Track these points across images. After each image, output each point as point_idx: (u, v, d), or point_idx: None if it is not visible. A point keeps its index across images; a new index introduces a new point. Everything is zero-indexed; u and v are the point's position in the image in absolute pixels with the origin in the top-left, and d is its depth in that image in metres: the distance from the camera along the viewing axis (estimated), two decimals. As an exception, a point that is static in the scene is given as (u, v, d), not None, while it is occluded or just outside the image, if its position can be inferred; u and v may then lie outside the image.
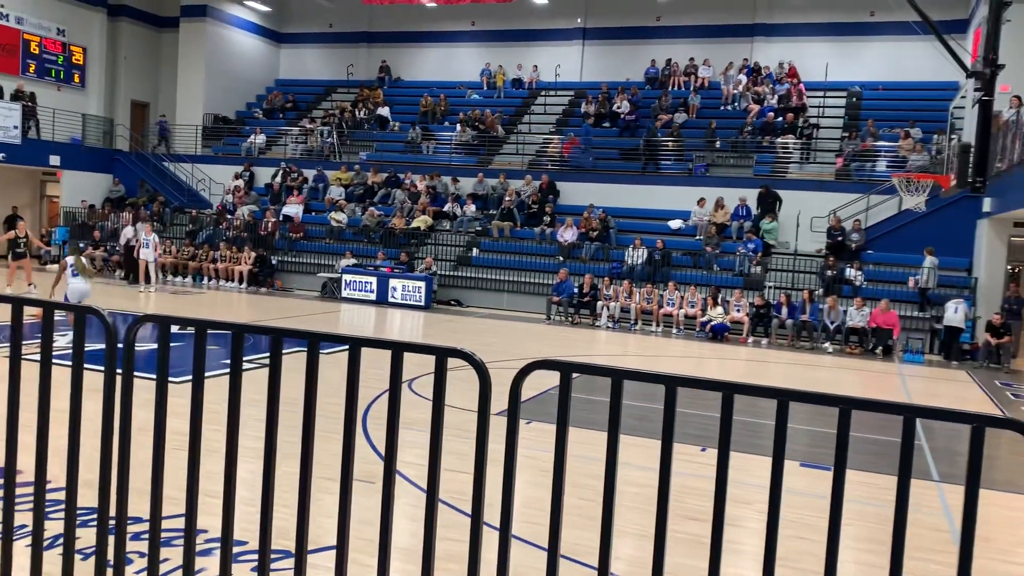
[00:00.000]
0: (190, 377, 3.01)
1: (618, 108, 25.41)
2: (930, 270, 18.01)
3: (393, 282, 20.15)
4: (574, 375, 2.51)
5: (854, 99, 24.96)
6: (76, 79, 27.89)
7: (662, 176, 22.91)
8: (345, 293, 20.49)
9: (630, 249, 20.30)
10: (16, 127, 23.80)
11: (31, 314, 3.39)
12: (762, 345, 17.24)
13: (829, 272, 18.63)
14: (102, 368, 2.97)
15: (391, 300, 19.97)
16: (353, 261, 21.42)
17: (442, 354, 2.52)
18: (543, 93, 28.53)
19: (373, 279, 20.35)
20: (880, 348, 16.70)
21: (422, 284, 19.88)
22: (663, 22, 27.57)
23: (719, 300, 17.89)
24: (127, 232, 22.06)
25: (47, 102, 25.78)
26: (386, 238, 22.57)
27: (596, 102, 26.02)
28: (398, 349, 2.57)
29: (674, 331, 18.05)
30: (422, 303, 19.75)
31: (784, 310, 17.51)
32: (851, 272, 18.53)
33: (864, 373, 14.60)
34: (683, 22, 27.26)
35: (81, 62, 28.03)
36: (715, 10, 26.74)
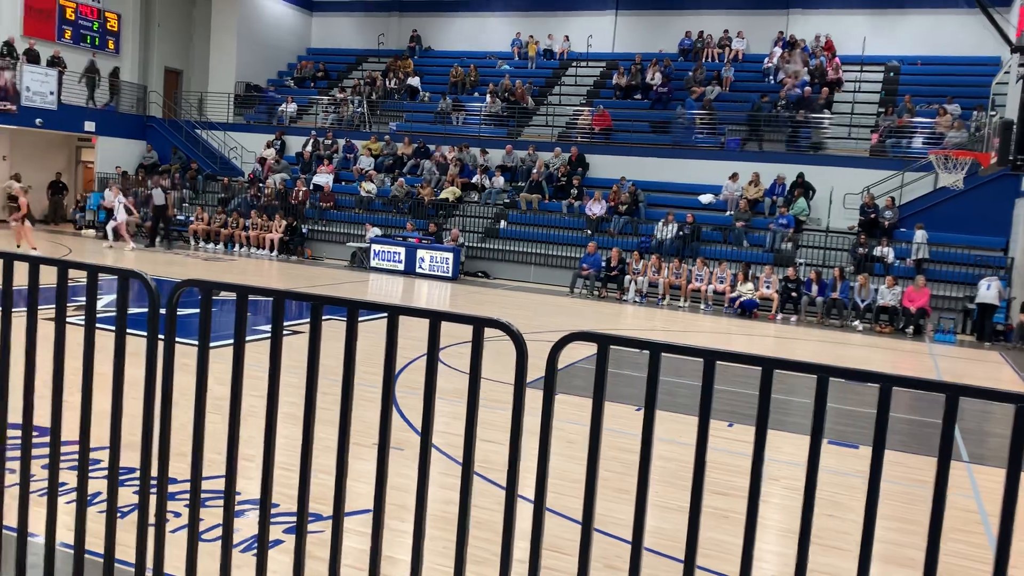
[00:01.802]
0: (227, 342, 3.06)
1: (650, 80, 25.12)
2: (920, 245, 18.08)
3: (421, 253, 20.22)
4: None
5: (891, 74, 24.46)
6: (110, 45, 28.07)
7: (694, 150, 22.67)
8: (373, 263, 20.61)
9: (660, 223, 20.17)
10: (52, 93, 24.05)
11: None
12: (791, 322, 17.11)
13: (861, 250, 18.40)
14: (141, 332, 3.03)
15: (419, 271, 20.06)
16: (381, 232, 21.51)
17: (480, 324, 2.54)
18: (574, 64, 28.27)
19: (401, 250, 20.44)
20: (911, 328, 16.50)
21: (450, 255, 19.93)
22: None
23: (749, 276, 17.76)
24: (156, 196, 22.31)
25: (82, 68, 25.96)
26: (415, 209, 22.61)
27: (628, 74, 25.73)
28: (436, 318, 2.59)
29: (702, 307, 17.97)
30: (449, 274, 19.81)
31: (814, 287, 17.35)
32: (882, 250, 18.29)
33: (895, 352, 14.47)
34: (718, -7, 26.84)
35: (115, 28, 28.19)
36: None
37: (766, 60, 25.36)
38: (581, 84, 27.33)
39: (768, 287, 17.64)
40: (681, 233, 19.73)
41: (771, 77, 24.80)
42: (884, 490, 5.94)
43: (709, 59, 26.45)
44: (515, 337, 2.49)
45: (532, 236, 21.23)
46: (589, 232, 20.75)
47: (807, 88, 23.25)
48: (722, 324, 16.28)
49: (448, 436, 6.18)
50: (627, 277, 18.54)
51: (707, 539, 4.76)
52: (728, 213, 20.77)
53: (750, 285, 17.61)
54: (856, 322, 16.92)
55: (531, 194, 22.31)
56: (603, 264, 18.85)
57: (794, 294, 17.48)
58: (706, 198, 21.39)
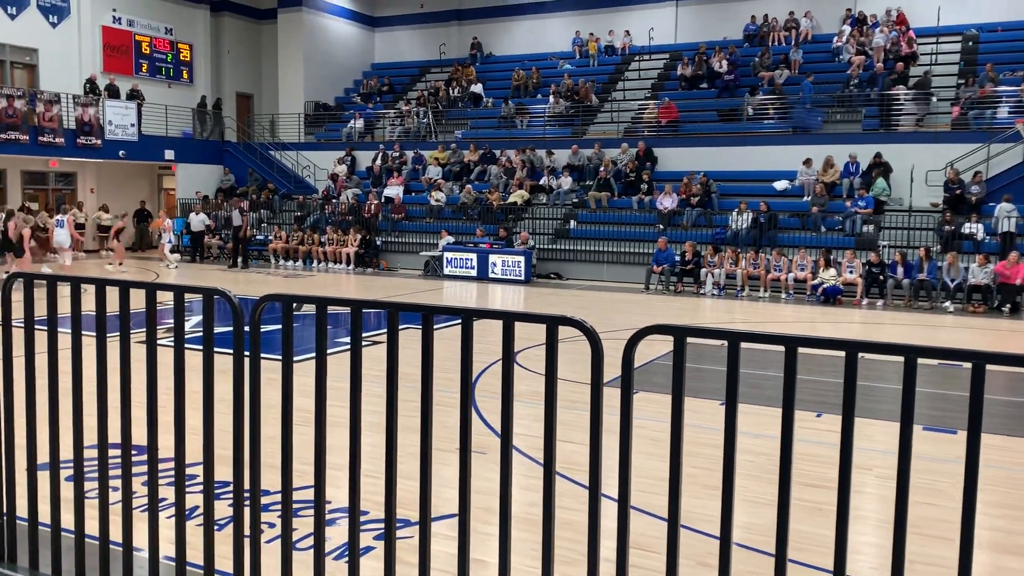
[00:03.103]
0: (309, 356, 3.13)
1: (716, 68, 24.70)
2: (1007, 218, 17.24)
3: (492, 258, 20.33)
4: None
5: (970, 43, 23.44)
6: (184, 75, 29.16)
7: (765, 136, 22.18)
8: (447, 271, 20.82)
9: (734, 213, 19.80)
10: (133, 125, 25.10)
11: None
12: (877, 307, 16.56)
13: (947, 227, 17.69)
14: (228, 350, 3.13)
15: (491, 276, 20.17)
16: (452, 239, 21.71)
17: (553, 323, 2.53)
18: (636, 58, 28.02)
19: (473, 256, 20.58)
20: (1008, 306, 15.76)
21: (521, 259, 19.98)
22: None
23: (831, 262, 17.27)
24: (234, 218, 23.05)
25: (159, 99, 27.04)
26: (484, 214, 22.75)
27: (692, 63, 25.37)
28: (509, 319, 2.60)
29: (783, 296, 17.55)
30: (522, 277, 19.86)
31: (900, 269, 16.75)
32: (971, 227, 17.54)
33: (990, 332, 13.84)
34: (781, -26, 26.20)
35: (188, 59, 29.28)
36: (815, -41, 25.56)
37: (835, 39, 24.65)
38: (645, 78, 27.07)
39: (851, 272, 17.11)
40: (757, 222, 19.32)
41: (841, 56, 24.09)
42: (990, 476, 5.68)
43: (775, 43, 25.86)
44: (590, 335, 2.48)
45: (603, 234, 21.10)
46: (661, 227, 20.51)
47: (878, 65, 22.50)
48: (805, 312, 15.87)
49: (528, 438, 6.18)
50: (703, 270, 18.25)
51: (800, 532, 4.64)
52: (804, 199, 20.24)
53: (832, 271, 17.11)
54: (947, 303, 16.26)
55: (600, 192, 22.18)
56: (677, 259, 18.60)
57: (879, 278, 16.92)
58: (780, 184, 20.89)
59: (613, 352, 2.54)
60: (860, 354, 2.26)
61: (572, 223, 21.86)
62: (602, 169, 22.67)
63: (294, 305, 3.05)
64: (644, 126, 24.21)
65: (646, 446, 6.01)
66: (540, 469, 5.98)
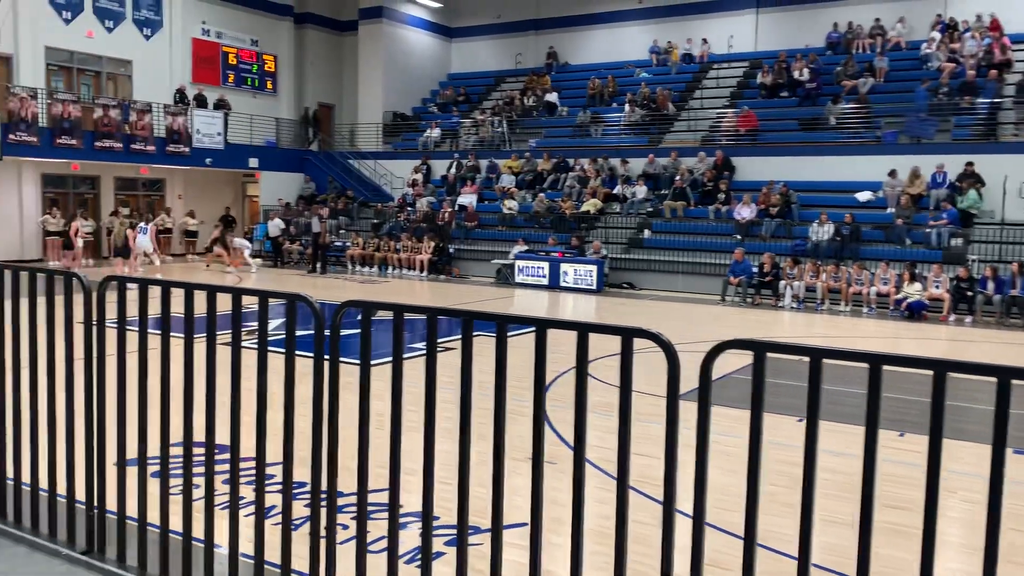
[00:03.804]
0: (385, 360, 3.19)
1: (797, 76, 24.19)
2: None
3: (564, 266, 20.29)
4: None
5: (1070, 48, 22.37)
6: (269, 85, 30.06)
7: (848, 146, 21.59)
8: (518, 279, 20.88)
9: (815, 225, 19.31)
10: (220, 133, 25.99)
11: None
12: (966, 323, 15.91)
13: (1044, 242, 16.89)
14: (308, 353, 3.20)
15: (563, 284, 20.13)
16: (525, 247, 21.77)
17: (628, 334, 2.52)
18: (715, 66, 27.65)
19: (545, 264, 20.59)
20: (1108, 325, 14.96)
21: (593, 268, 19.89)
22: (844, -18, 25.89)
23: (916, 276, 16.67)
24: (314, 225, 23.61)
25: (244, 109, 27.93)
26: (556, 223, 22.74)
27: (773, 71, 24.90)
28: (583, 330, 2.60)
29: (865, 310, 17.03)
30: (594, 287, 19.77)
31: (990, 285, 16.06)
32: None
33: (1089, 353, 13.13)
34: (866, -20, 25.50)
35: (272, 69, 30.18)
36: (903, -36, 24.78)
37: (924, 46, 23.84)
38: (723, 86, 26.69)
39: (938, 287, 16.50)
40: (839, 234, 18.80)
41: (930, 63, 23.29)
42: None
43: (860, 50, 25.17)
44: (665, 347, 2.46)
45: (678, 244, 20.84)
46: (739, 237, 20.14)
47: (970, 72, 21.67)
48: (888, 328, 15.36)
49: (598, 450, 6.14)
50: (782, 282, 17.85)
51: (879, 555, 4.49)
52: (889, 210, 19.61)
53: (917, 285, 16.52)
54: (1041, 321, 15.53)
55: (675, 201, 21.94)
56: (754, 270, 18.24)
57: (968, 293, 16.26)
58: (864, 196, 20.29)
59: (688, 365, 2.51)
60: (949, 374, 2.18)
61: (646, 232, 21.66)
62: (678, 178, 22.43)
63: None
64: (722, 135, 23.86)
65: (719, 461, 5.89)
66: (610, 481, 5.94)
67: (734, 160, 22.54)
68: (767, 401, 2.45)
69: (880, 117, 21.79)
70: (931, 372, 2.21)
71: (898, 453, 6.61)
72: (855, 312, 17.04)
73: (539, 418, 2.71)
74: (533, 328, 2.75)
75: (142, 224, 21.12)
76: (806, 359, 2.35)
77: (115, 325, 3.90)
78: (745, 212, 20.51)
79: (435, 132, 28.91)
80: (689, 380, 2.56)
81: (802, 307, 17.56)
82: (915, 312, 16.24)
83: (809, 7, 26.63)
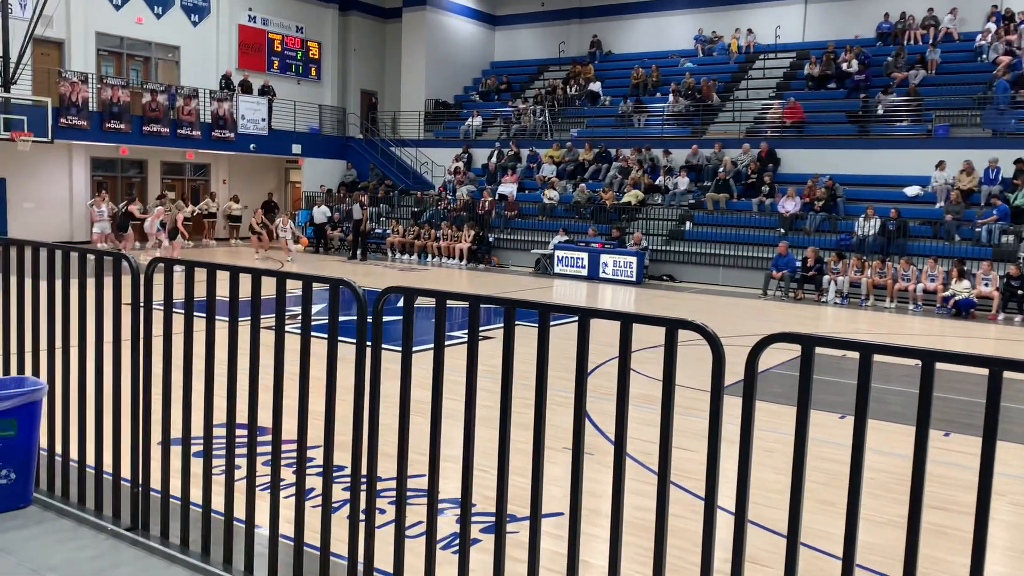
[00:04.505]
0: (427, 347, 3.19)
1: (846, 68, 23.72)
2: None
3: (604, 257, 20.19)
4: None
5: None
6: (313, 72, 30.30)
7: (897, 139, 21.14)
8: (557, 269, 20.82)
9: (860, 219, 18.95)
10: (264, 120, 26.27)
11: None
12: (1015, 322, 15.52)
13: (1100, 241, 16.39)
14: (351, 340, 3.22)
15: (602, 276, 20.03)
16: (565, 238, 21.69)
17: (673, 326, 2.48)
18: (762, 56, 27.22)
19: (584, 255, 20.50)
20: None
21: (633, 259, 19.76)
22: (896, -29, 25.27)
23: (964, 273, 16.29)
24: (355, 212, 23.77)
25: (289, 95, 28.20)
26: (597, 214, 22.63)
27: (820, 63, 24.44)
28: (627, 321, 2.57)
29: (911, 307, 16.68)
30: (633, 278, 19.64)
31: (1043, 284, 15.63)
32: None
33: None
34: (920, -30, 24.86)
35: (317, 56, 30.41)
36: (959, -47, 24.10)
37: (978, 38, 23.21)
38: (770, 77, 26.27)
39: (987, 284, 16.10)
40: (885, 229, 18.44)
41: (984, 55, 22.68)
42: None
43: (911, 41, 24.59)
44: (711, 339, 2.42)
45: (720, 237, 20.60)
46: (782, 231, 19.85)
47: (1028, 64, 21.05)
48: (935, 325, 15.04)
49: (636, 442, 6.11)
50: (826, 277, 17.57)
51: (927, 557, 4.40)
52: (937, 205, 19.17)
53: (966, 283, 16.14)
54: (1096, 322, 15.08)
55: (718, 193, 21.68)
56: (798, 264, 17.97)
57: (1018, 292, 15.84)
58: (912, 190, 19.86)
59: (732, 359, 2.47)
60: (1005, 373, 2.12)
61: (688, 224, 21.46)
62: (721, 170, 22.16)
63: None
64: (767, 126, 23.50)
65: (759, 456, 5.82)
66: (647, 473, 5.92)
67: (779, 152, 22.20)
68: (811, 397, 2.40)
69: (931, 110, 21.28)
70: (985, 371, 2.14)
71: (943, 453, 6.47)
72: (900, 309, 16.71)
73: (580, 409, 2.69)
74: (575, 317, 2.73)
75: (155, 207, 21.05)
76: (851, 355, 2.30)
77: (161, 307, 3.96)
78: (789, 205, 20.20)
79: (477, 120, 28.91)
80: (731, 374, 2.52)
81: (846, 303, 17.27)
82: (963, 310, 15.88)
83: (860, -3, 26.07)
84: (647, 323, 2.57)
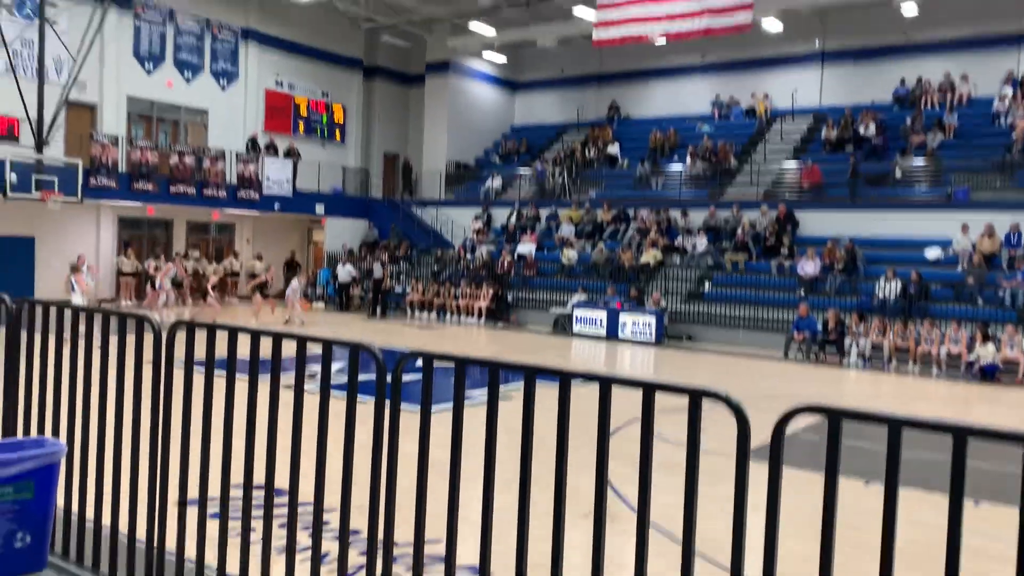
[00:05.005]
0: (445, 405, 3.17)
1: (863, 132, 23.88)
2: None
3: (623, 317, 20.14)
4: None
5: None
6: (337, 135, 30.90)
7: (916, 202, 21.13)
8: (576, 328, 20.78)
9: (881, 281, 18.84)
10: (288, 180, 26.72)
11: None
12: (1043, 388, 15.25)
13: None
14: (369, 396, 3.21)
15: (621, 336, 19.96)
16: (584, 297, 21.69)
17: (697, 395, 2.46)
18: (778, 120, 27.49)
19: (603, 314, 20.48)
20: None
21: (652, 319, 19.70)
22: (911, 38, 25.56)
23: (989, 336, 16.08)
24: (376, 270, 23.95)
25: (313, 156, 28.73)
26: (615, 274, 22.66)
27: (838, 126, 24.63)
28: (650, 389, 2.55)
29: (934, 371, 16.45)
30: (652, 339, 19.55)
31: (1070, 348, 15.39)
32: None
33: None
34: (935, 36, 25.13)
35: (341, 120, 31.05)
36: (972, 21, 24.39)
37: (995, 102, 23.35)
38: (787, 140, 26.49)
39: (1012, 349, 15.87)
40: (906, 291, 18.30)
41: (1001, 119, 22.78)
42: None
43: (928, 105, 24.77)
44: (736, 410, 2.39)
45: (739, 298, 20.53)
46: (802, 293, 19.76)
47: (1047, 128, 21.09)
48: (959, 390, 14.80)
49: (659, 507, 5.99)
50: (847, 340, 17.40)
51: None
52: (959, 268, 19.05)
53: (990, 347, 15.92)
54: None
55: (737, 254, 21.68)
56: (819, 327, 17.82)
57: (1045, 356, 15.59)
58: (933, 253, 19.76)
59: (756, 424, 2.44)
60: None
61: (707, 285, 21.42)
62: (740, 231, 22.20)
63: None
64: (786, 188, 23.60)
65: (783, 523, 5.69)
66: (669, 541, 5.75)
67: (798, 214, 22.25)
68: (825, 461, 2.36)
69: (950, 173, 21.31)
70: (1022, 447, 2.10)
71: (974, 522, 6.29)
72: (924, 372, 16.48)
73: (602, 476, 2.65)
74: (594, 380, 2.71)
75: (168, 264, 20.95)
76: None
77: (182, 366, 3.97)
78: (809, 267, 20.14)
79: (496, 182, 29.26)
80: (755, 438, 2.48)
81: (868, 366, 17.05)
82: (988, 375, 15.63)
83: (875, 62, 26.36)
84: (670, 391, 2.54)
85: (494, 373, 2.92)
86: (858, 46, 26.43)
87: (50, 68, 21.27)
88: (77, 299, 15.96)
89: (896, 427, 2.19)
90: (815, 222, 21.95)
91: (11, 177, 18.96)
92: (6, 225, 21.48)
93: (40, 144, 20.29)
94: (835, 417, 2.25)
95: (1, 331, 4.81)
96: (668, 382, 2.56)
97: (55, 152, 21.10)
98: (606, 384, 2.65)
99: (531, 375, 2.84)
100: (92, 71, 22.75)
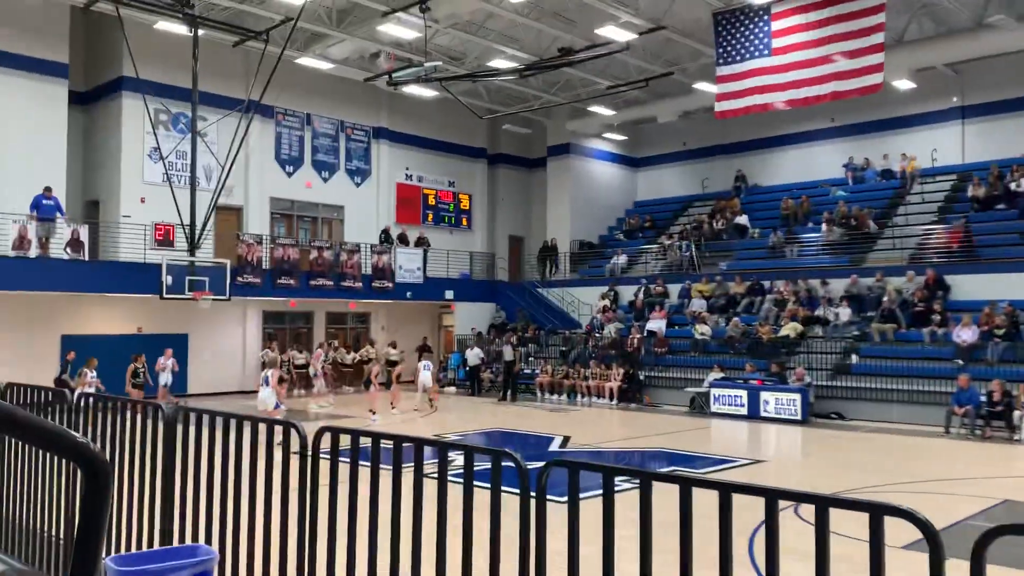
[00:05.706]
0: (594, 493, 3.01)
1: (1015, 188, 22.39)
2: None
3: (765, 395, 19.26)
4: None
5: None
6: (464, 222, 31.76)
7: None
8: (714, 407, 20.02)
9: (1049, 347, 17.29)
10: (419, 268, 27.54)
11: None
12: None
13: None
14: (514, 490, 3.09)
15: (763, 414, 19.05)
16: (721, 375, 20.95)
17: (878, 512, 2.19)
18: (919, 180, 26.20)
19: (743, 392, 19.66)
20: None
21: (797, 396, 18.73)
22: (1060, 85, 24.03)
23: None
24: (506, 353, 24.05)
25: (442, 244, 29.57)
26: (753, 348, 21.81)
27: (986, 183, 23.21)
28: (823, 504, 2.30)
29: (1124, 445, 14.77)
30: (798, 417, 18.55)
31: None
32: None
33: None
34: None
35: (467, 207, 31.95)
36: None
37: None
38: (929, 201, 25.15)
39: None
40: (1080, 357, 16.69)
41: None
42: None
43: (1087, 154, 23.03)
44: (924, 527, 2.11)
45: (891, 370, 19.26)
46: (960, 362, 18.34)
47: None
48: None
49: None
50: (1016, 412, 15.93)
51: None
52: None
53: None
54: None
55: (884, 324, 20.48)
56: (982, 399, 16.44)
57: None
58: (1108, 313, 18.02)
59: (931, 512, 2.15)
60: None
61: (854, 358, 20.26)
62: (885, 299, 21.02)
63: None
64: (932, 252, 22.28)
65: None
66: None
67: (948, 278, 20.89)
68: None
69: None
70: None
71: None
72: (1113, 447, 14.83)
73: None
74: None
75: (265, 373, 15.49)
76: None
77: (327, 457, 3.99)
78: (965, 334, 18.74)
79: (621, 259, 29.11)
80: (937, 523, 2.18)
81: (1045, 441, 15.51)
82: None
83: (1020, 114, 24.84)
84: (847, 508, 2.29)
85: (647, 485, 2.74)
86: (1000, 99, 25.03)
87: (201, 176, 22.97)
88: (265, 394, 14.57)
89: None
90: (968, 286, 20.53)
91: (167, 279, 20.40)
92: (163, 323, 23.01)
93: (193, 247, 21.77)
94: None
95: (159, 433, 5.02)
96: (845, 498, 2.30)
97: (205, 253, 22.58)
98: (772, 499, 2.41)
99: (686, 490, 2.64)
100: (238, 176, 24.41)
